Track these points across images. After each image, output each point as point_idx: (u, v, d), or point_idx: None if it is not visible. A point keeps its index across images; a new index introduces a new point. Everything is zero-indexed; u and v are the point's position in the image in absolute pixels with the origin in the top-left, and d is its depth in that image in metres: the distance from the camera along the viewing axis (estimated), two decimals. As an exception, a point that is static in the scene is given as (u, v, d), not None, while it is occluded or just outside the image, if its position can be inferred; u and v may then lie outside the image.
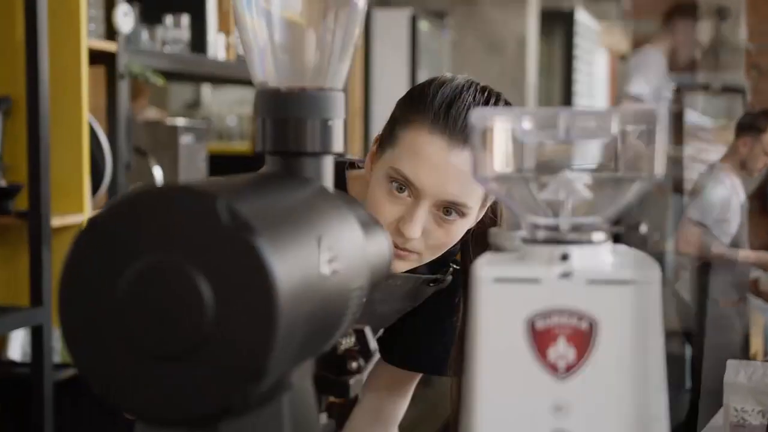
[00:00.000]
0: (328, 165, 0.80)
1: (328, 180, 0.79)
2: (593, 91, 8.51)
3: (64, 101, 2.47)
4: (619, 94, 4.56)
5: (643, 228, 4.27)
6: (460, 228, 1.29)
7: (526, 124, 0.68)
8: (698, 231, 4.20)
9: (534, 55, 6.05)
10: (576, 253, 0.67)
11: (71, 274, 0.62)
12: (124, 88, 2.66)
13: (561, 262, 0.67)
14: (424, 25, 5.05)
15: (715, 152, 4.50)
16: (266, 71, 0.80)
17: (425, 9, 5.37)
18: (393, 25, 4.98)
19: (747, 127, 4.33)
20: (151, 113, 3.98)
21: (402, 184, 1.26)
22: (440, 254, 1.32)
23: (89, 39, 2.54)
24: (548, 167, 0.71)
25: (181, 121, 3.14)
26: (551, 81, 7.54)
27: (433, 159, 1.24)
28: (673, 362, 4.17)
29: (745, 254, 4.44)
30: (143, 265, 0.60)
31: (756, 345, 4.24)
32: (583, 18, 7.57)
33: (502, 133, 0.69)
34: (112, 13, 2.62)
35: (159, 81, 2.75)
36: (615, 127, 0.67)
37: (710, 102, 7.92)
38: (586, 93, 8.09)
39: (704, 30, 9.67)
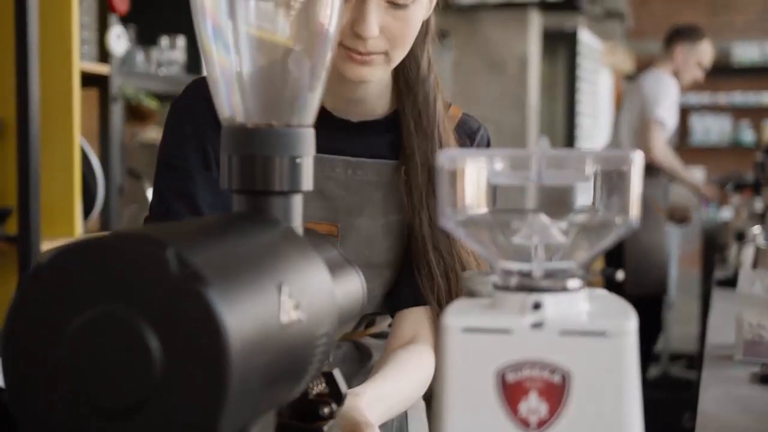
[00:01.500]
0: (297, 203, 0.77)
1: (297, 219, 0.76)
2: (597, 110, 8.48)
3: (56, 124, 2.45)
4: (619, 114, 4.53)
5: (620, 275, 4.32)
6: (416, 13, 1.24)
7: (498, 166, 0.65)
8: (663, 133, 4.27)
9: (536, 76, 6.02)
10: (549, 301, 0.64)
11: (15, 323, 0.59)
12: (117, 110, 2.63)
13: (533, 311, 0.64)
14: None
15: None
16: (233, 106, 0.77)
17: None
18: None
19: (682, 36, 4.41)
20: (153, 133, 3.96)
21: None
22: (407, 50, 1.26)
23: (82, 61, 2.52)
24: (521, 210, 0.68)
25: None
26: (554, 100, 7.51)
27: None
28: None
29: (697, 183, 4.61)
30: (89, 315, 0.57)
31: None
32: (586, 38, 7.55)
33: (473, 174, 0.66)
34: (106, 35, 2.60)
35: (152, 104, 2.73)
36: (589, 170, 0.64)
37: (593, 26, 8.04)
38: (590, 113, 8.06)
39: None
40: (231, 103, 0.77)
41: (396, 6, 1.21)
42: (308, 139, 0.77)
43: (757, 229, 2.97)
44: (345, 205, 1.32)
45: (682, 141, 10.48)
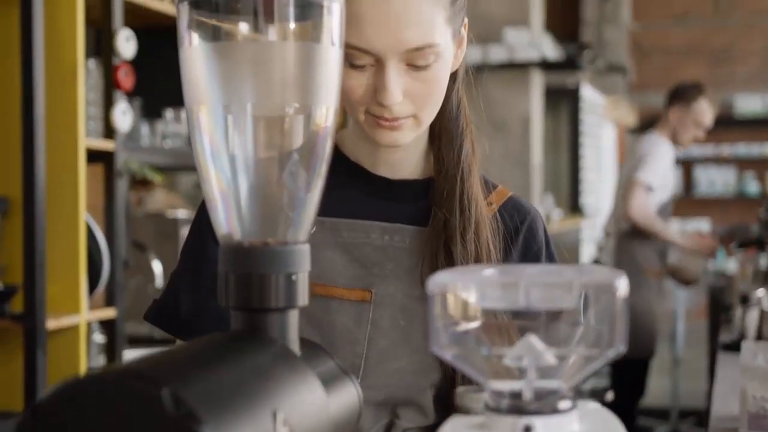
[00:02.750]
0: (293, 319, 0.78)
1: (293, 334, 0.78)
2: (601, 164, 8.52)
3: (62, 201, 2.48)
4: (625, 175, 4.55)
5: (609, 395, 4.33)
6: (440, 72, 1.16)
7: (487, 291, 0.67)
8: (648, 195, 4.26)
9: (539, 134, 6.07)
10: (539, 423, 0.65)
11: (14, 460, 0.60)
12: (122, 185, 2.66)
13: (524, 434, 0.65)
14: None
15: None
16: (230, 224, 0.79)
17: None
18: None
19: (678, 97, 4.46)
20: (161, 197, 3.99)
21: (356, 56, 1.13)
22: (437, 108, 1.19)
23: (88, 138, 2.55)
24: (511, 333, 0.69)
25: (182, 213, 3.15)
26: (558, 156, 7.55)
27: (369, 14, 1.11)
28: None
29: (685, 240, 4.58)
30: (87, 453, 0.58)
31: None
32: (588, 93, 7.62)
33: (462, 298, 0.68)
34: (111, 111, 2.63)
35: (156, 178, 2.76)
36: (576, 297, 0.66)
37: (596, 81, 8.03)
38: (594, 167, 8.10)
39: (589, 8, 9.73)
40: (228, 221, 0.79)
41: (417, 68, 1.15)
42: (303, 255, 0.78)
43: (761, 292, 2.97)
44: (380, 271, 1.23)
45: (687, 193, 10.52)
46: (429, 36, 1.13)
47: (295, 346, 0.77)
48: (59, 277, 2.47)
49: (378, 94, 1.14)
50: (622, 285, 0.65)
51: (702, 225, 10.54)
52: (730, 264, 5.94)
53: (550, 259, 1.30)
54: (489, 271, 0.69)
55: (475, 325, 0.69)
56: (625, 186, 4.37)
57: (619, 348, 0.66)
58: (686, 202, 10.54)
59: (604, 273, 0.68)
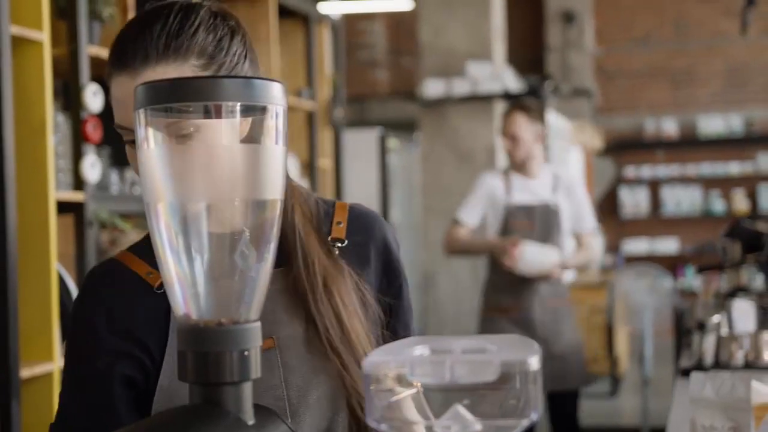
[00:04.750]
0: (246, 391, 0.86)
1: (247, 405, 0.86)
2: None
3: (33, 252, 2.54)
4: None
5: None
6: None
7: (416, 370, 0.75)
8: (456, 228, 4.09)
9: (504, 164, 6.18)
10: (465, 486, 0.73)
11: None
12: (92, 235, 2.73)
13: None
14: (393, 143, 5.17)
15: None
16: (187, 306, 0.87)
17: (396, 122, 5.52)
18: (363, 143, 5.10)
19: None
20: (133, 238, 4.04)
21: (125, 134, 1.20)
22: None
23: (58, 191, 2.62)
24: (439, 404, 0.77)
25: (152, 256, 3.20)
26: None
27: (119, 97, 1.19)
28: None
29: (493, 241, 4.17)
30: None
31: None
32: (553, 119, 7.75)
33: (394, 376, 0.76)
34: (80, 163, 2.70)
35: (126, 227, 2.83)
36: (495, 373, 0.74)
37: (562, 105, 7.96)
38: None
39: (553, 34, 9.85)
40: (185, 303, 0.87)
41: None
42: (255, 332, 0.86)
43: (717, 318, 3.06)
44: (274, 317, 1.28)
45: (654, 213, 10.70)
46: None
47: (248, 416, 0.85)
48: (32, 327, 2.53)
49: None
50: (534, 361, 0.74)
51: (670, 244, 10.73)
52: (696, 282, 6.05)
53: (398, 262, 1.38)
54: (418, 350, 0.78)
55: (406, 396, 0.77)
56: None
57: (533, 418, 0.74)
58: (654, 222, 10.72)
59: (520, 349, 0.77)
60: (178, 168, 0.86)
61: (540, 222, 4.17)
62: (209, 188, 0.86)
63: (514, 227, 4.14)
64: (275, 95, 0.86)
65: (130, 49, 1.19)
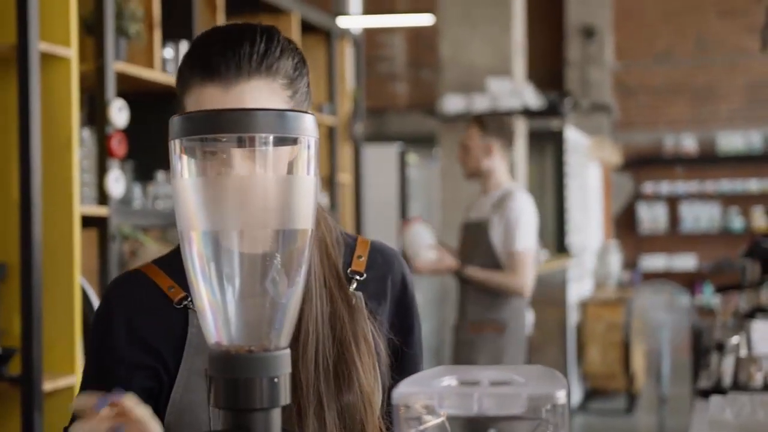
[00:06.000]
0: (275, 418, 0.88)
1: (276, 431, 0.87)
2: (587, 203, 8.63)
3: (58, 266, 2.57)
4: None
5: None
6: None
7: (444, 402, 0.77)
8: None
9: (523, 178, 6.19)
10: None
11: None
12: (115, 249, 2.76)
13: None
14: (412, 158, 5.19)
15: None
16: (218, 333, 0.89)
17: (415, 136, 5.51)
18: (383, 158, 5.12)
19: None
20: (153, 249, 4.05)
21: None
22: None
23: (82, 205, 2.65)
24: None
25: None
26: (543, 197, 7.66)
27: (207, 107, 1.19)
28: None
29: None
30: None
31: None
32: (572, 135, 7.75)
33: (423, 407, 0.77)
34: (105, 178, 2.74)
35: (148, 242, 2.85)
36: (522, 406, 0.75)
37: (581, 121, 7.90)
38: (580, 206, 8.21)
39: (573, 50, 9.81)
40: (217, 331, 0.89)
41: None
42: (285, 359, 0.88)
43: (736, 339, 3.05)
44: None
45: (672, 229, 10.66)
46: None
47: (277, 445, 0.87)
48: (55, 340, 2.55)
49: None
50: (562, 395, 0.75)
51: (688, 261, 10.69)
52: (714, 300, 6.03)
53: (413, 300, 1.38)
54: (446, 380, 0.79)
55: (433, 427, 0.79)
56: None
57: (558, 450, 0.75)
58: (672, 239, 10.68)
59: (547, 381, 0.78)
60: (211, 197, 0.88)
61: (468, 237, 4.09)
62: (242, 217, 0.88)
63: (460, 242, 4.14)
64: (307, 127, 0.88)
65: (221, 61, 1.20)
